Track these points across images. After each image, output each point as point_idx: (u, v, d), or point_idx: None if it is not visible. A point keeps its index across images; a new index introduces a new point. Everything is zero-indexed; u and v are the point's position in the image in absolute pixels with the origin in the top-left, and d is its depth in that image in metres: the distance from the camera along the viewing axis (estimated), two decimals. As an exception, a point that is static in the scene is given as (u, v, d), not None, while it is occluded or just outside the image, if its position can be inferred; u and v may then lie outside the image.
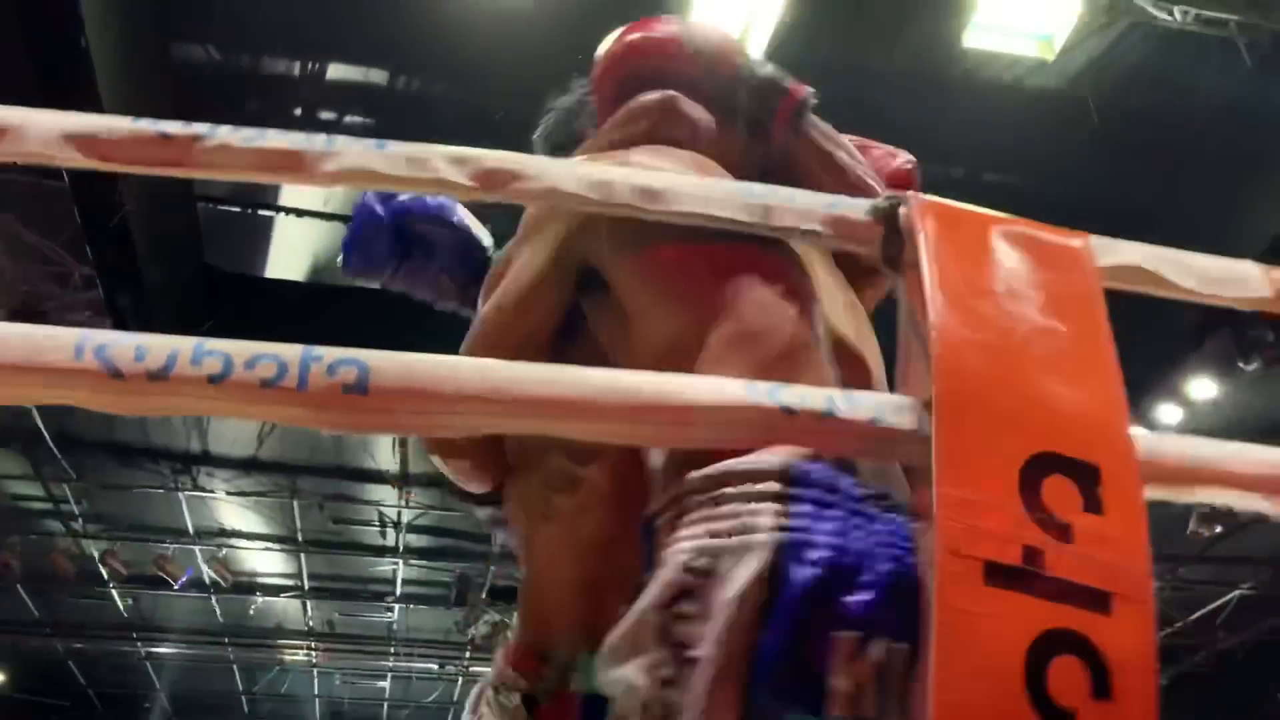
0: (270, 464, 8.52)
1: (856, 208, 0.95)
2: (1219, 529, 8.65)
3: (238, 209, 6.90)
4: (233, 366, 0.75)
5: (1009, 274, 0.90)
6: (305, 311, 6.66)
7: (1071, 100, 6.31)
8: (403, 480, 8.72)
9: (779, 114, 1.25)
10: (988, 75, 6.24)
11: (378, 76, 6.49)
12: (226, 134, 0.89)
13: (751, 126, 1.27)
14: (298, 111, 6.61)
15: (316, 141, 0.89)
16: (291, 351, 0.76)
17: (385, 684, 12.05)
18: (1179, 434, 0.96)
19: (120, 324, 5.96)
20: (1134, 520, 0.80)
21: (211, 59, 6.36)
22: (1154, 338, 6.20)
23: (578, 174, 0.94)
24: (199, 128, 0.90)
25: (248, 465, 8.50)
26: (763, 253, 1.06)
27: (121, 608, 10.20)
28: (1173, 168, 6.10)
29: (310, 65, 6.42)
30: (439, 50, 6.04)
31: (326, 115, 6.68)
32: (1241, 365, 6.65)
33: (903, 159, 1.26)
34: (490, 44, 5.83)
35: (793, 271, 1.09)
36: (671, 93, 1.29)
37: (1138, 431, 0.87)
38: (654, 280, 1.08)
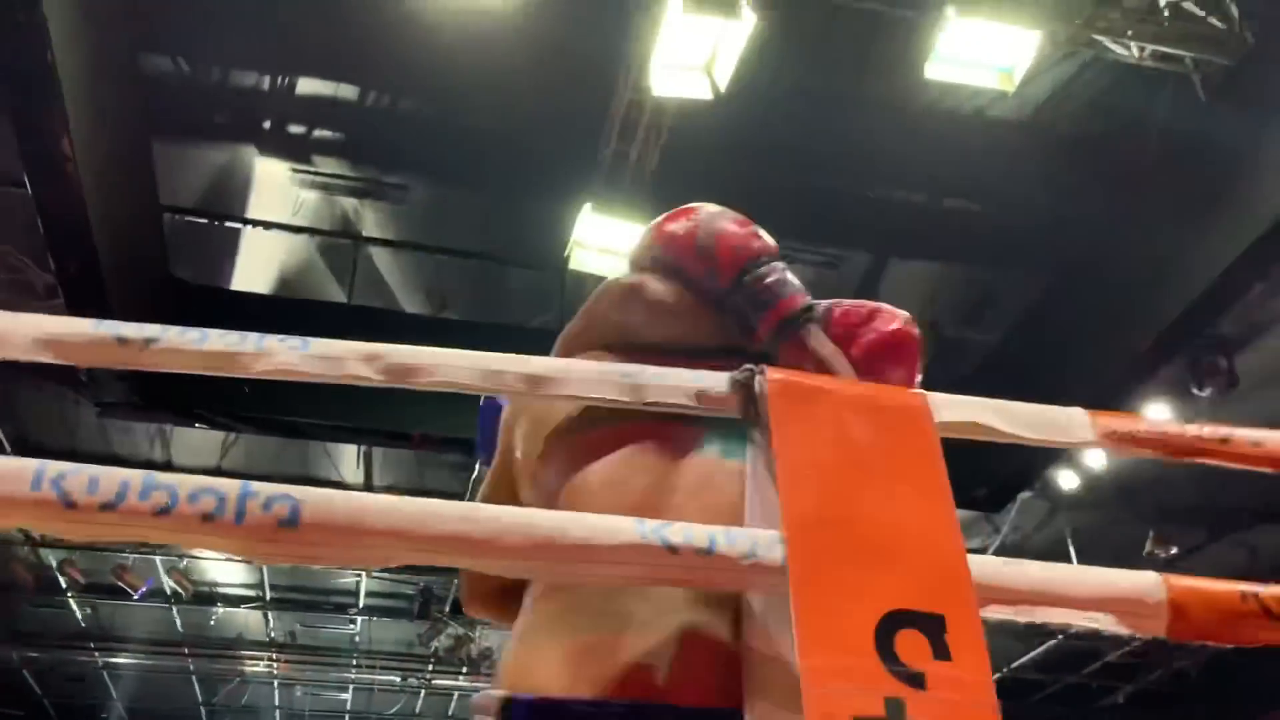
0: (233, 474, 8.42)
1: (719, 381, 1.05)
2: (1174, 550, 8.84)
3: (204, 220, 6.91)
4: (178, 500, 0.80)
5: (853, 440, 0.98)
6: (272, 324, 6.65)
7: (1031, 130, 6.44)
8: (368, 491, 8.71)
9: (763, 324, 1.38)
10: (950, 105, 6.36)
11: (348, 91, 6.51)
12: (175, 337, 1.01)
13: (741, 327, 1.40)
14: (267, 125, 6.62)
15: (249, 343, 1.00)
16: (230, 486, 0.82)
17: (347, 696, 12.03)
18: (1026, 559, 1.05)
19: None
20: (979, 661, 0.88)
21: (180, 71, 6.35)
22: (1108, 364, 6.35)
23: (468, 366, 1.03)
24: (150, 330, 1.01)
25: (211, 475, 8.47)
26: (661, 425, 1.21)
27: (80, 617, 10.12)
28: (1129, 196, 6.24)
29: (280, 79, 6.43)
30: (409, 63, 6.08)
31: (296, 129, 6.70)
32: (1195, 391, 6.81)
33: (898, 322, 1.35)
34: (459, 56, 5.88)
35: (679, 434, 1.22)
36: (638, 279, 1.50)
37: (981, 560, 0.95)
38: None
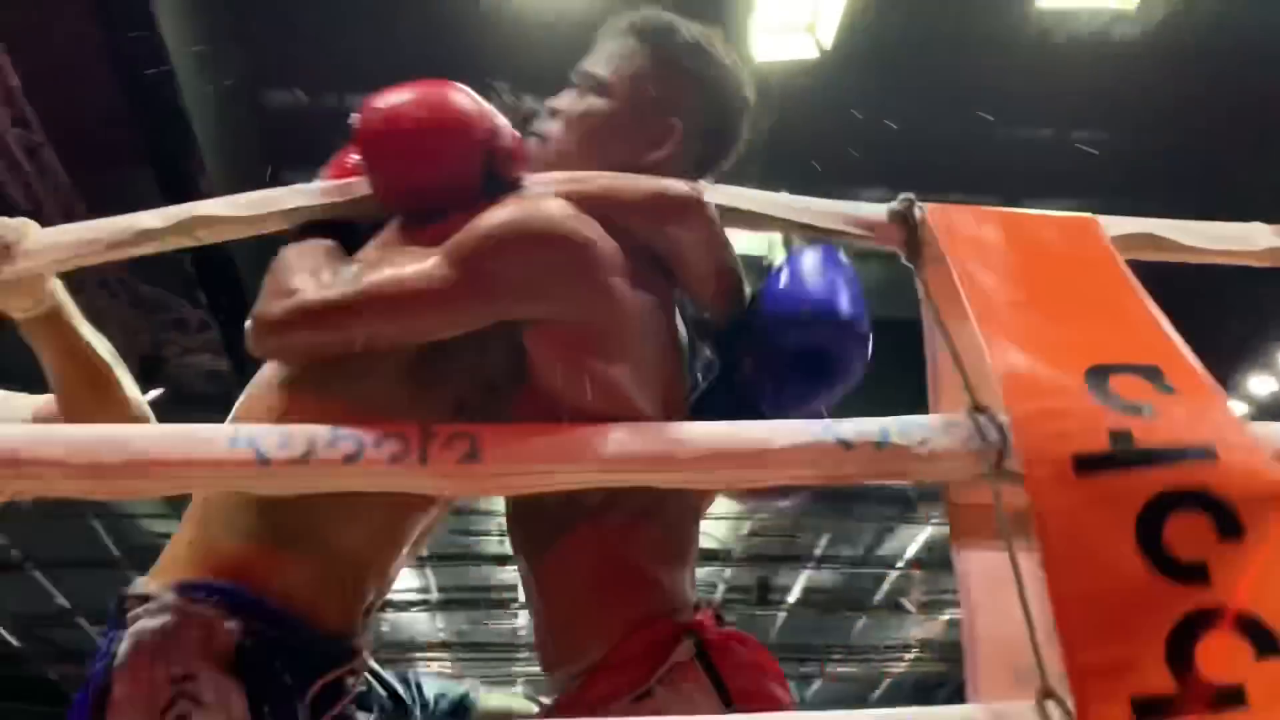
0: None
1: (878, 211, 1.02)
2: None
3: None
4: (364, 447, 0.84)
5: (1027, 259, 0.95)
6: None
7: (1157, 50, 6.13)
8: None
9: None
10: (1067, 32, 6.11)
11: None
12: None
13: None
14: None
15: None
16: (411, 429, 0.85)
17: (517, 689, 12.33)
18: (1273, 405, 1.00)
19: (239, 364, 6.25)
20: (1207, 395, 0.83)
21: (299, 101, 6.61)
22: (1246, 310, 6.00)
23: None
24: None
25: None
26: None
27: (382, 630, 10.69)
28: (1262, 115, 5.89)
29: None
30: (513, 72, 6.16)
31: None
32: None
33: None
34: (558, 58, 5.93)
35: None
36: None
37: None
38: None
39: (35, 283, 1.19)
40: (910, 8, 5.98)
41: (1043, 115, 6.66)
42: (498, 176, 1.10)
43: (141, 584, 1.07)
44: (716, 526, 9.73)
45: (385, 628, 10.92)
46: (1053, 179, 6.96)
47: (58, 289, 1.23)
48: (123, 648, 1.00)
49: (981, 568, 0.88)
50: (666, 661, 1.11)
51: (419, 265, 1.00)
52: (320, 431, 0.85)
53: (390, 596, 8.09)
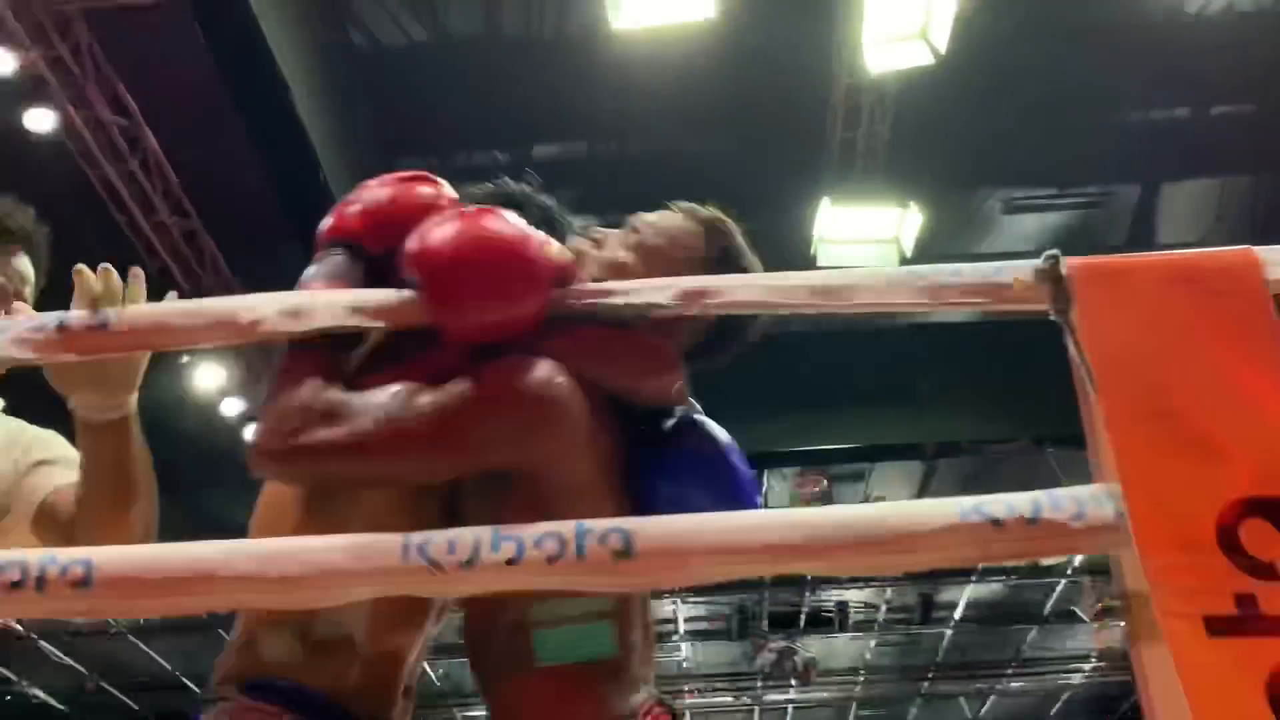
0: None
1: (1025, 270, 0.99)
2: None
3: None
4: (524, 548, 0.88)
5: (1172, 317, 0.92)
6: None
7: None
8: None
9: None
10: (1196, 5, 5.86)
11: (576, 149, 6.80)
12: None
13: None
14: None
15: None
16: (567, 528, 0.89)
17: (685, 720, 12.33)
18: None
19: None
20: None
21: (430, 165, 6.86)
22: None
23: (756, 283, 1.06)
24: None
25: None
26: None
27: (434, 678, 10.99)
28: None
29: (516, 152, 6.81)
30: (622, 107, 6.27)
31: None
32: None
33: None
34: (665, 90, 6.02)
35: None
36: None
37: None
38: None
39: (132, 373, 1.31)
40: (1024, 2, 5.84)
41: (1177, 93, 6.39)
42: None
43: (213, 685, 1.21)
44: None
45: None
46: (1191, 156, 6.65)
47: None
48: None
49: (1155, 666, 0.87)
50: None
51: (420, 415, 1.10)
52: (484, 535, 0.89)
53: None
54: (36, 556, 0.87)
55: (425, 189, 1.29)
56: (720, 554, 0.88)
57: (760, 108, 6.09)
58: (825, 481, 8.32)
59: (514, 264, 1.12)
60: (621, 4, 5.09)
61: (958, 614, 10.39)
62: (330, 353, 1.15)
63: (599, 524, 0.89)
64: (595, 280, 1.21)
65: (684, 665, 11.30)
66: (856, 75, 5.47)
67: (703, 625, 10.74)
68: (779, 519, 0.91)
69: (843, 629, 10.18)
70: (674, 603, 10.13)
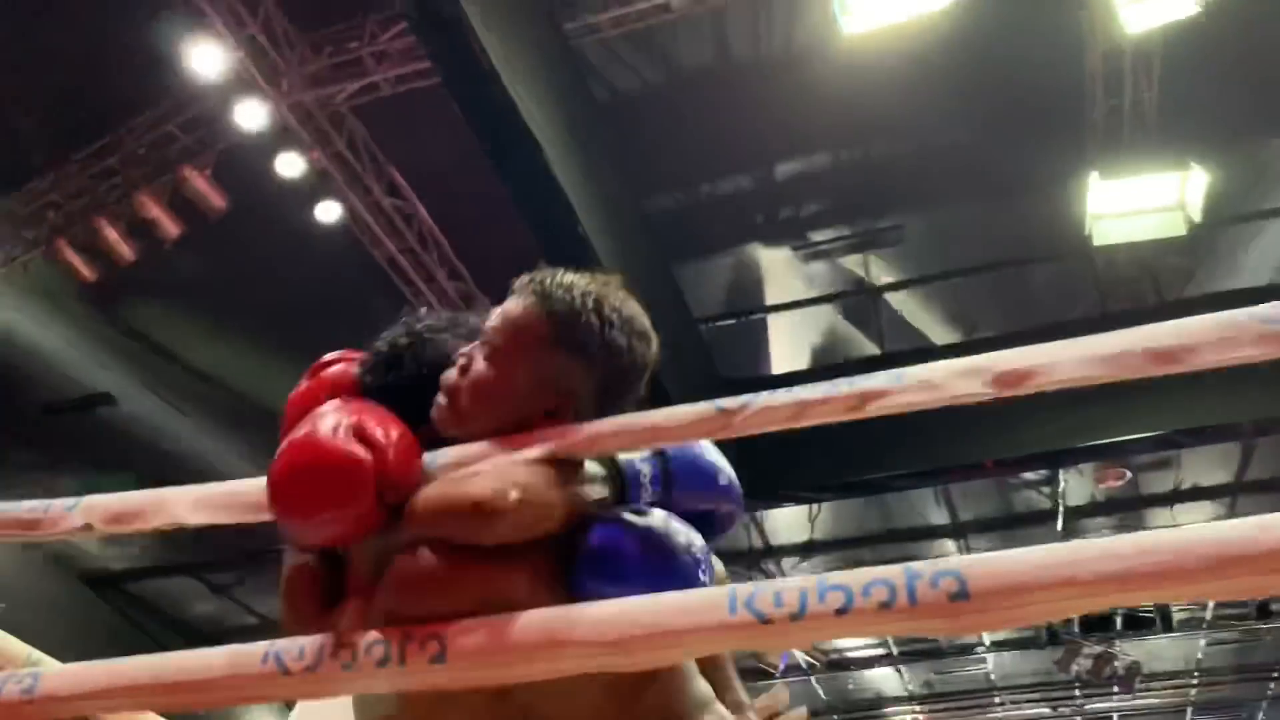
0: (827, 543, 8.87)
1: None
2: None
3: (733, 320, 7.47)
4: (853, 598, 0.86)
5: None
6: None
7: None
8: (957, 529, 8.66)
9: None
10: None
11: (821, 160, 6.73)
12: (765, 399, 1.10)
13: None
14: (759, 219, 7.05)
15: (839, 386, 1.09)
16: (895, 573, 0.87)
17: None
18: None
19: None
20: None
21: (675, 199, 7.01)
22: None
23: (1082, 356, 0.98)
24: (742, 398, 1.12)
25: (806, 549, 8.92)
26: None
27: (736, 700, 11.07)
28: None
29: (757, 173, 6.83)
30: (860, 109, 6.15)
31: (785, 212, 7.05)
32: None
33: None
34: (903, 84, 5.85)
35: None
36: None
37: None
38: None
39: None
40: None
41: None
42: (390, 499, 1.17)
43: None
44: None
45: (850, 685, 10.91)
46: None
47: None
48: None
49: None
50: None
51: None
52: (809, 585, 0.89)
53: (849, 654, 8.09)
54: (395, 635, 0.97)
55: (305, 383, 1.39)
56: (1064, 587, 0.83)
57: (1009, 89, 5.80)
58: (1128, 473, 7.74)
59: (322, 485, 1.16)
60: (851, 7, 5.01)
61: (1301, 606, 9.35)
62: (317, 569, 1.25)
63: (927, 567, 0.86)
64: (468, 405, 1.26)
65: (991, 677, 10.80)
66: (1113, 38, 5.11)
67: (1009, 634, 10.23)
68: (1126, 545, 0.84)
69: (1166, 629, 9.40)
70: (974, 612, 9.71)
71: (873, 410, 1.03)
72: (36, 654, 1.82)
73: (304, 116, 5.81)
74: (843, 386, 1.04)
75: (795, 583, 0.90)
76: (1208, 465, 8.03)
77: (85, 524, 1.23)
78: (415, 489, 1.15)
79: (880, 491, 6.98)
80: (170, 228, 6.00)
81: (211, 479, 1.69)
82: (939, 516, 8.66)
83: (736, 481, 1.36)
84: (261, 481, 1.20)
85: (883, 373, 1.06)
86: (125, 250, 6.10)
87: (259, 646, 1.00)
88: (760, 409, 1.04)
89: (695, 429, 1.09)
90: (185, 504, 1.21)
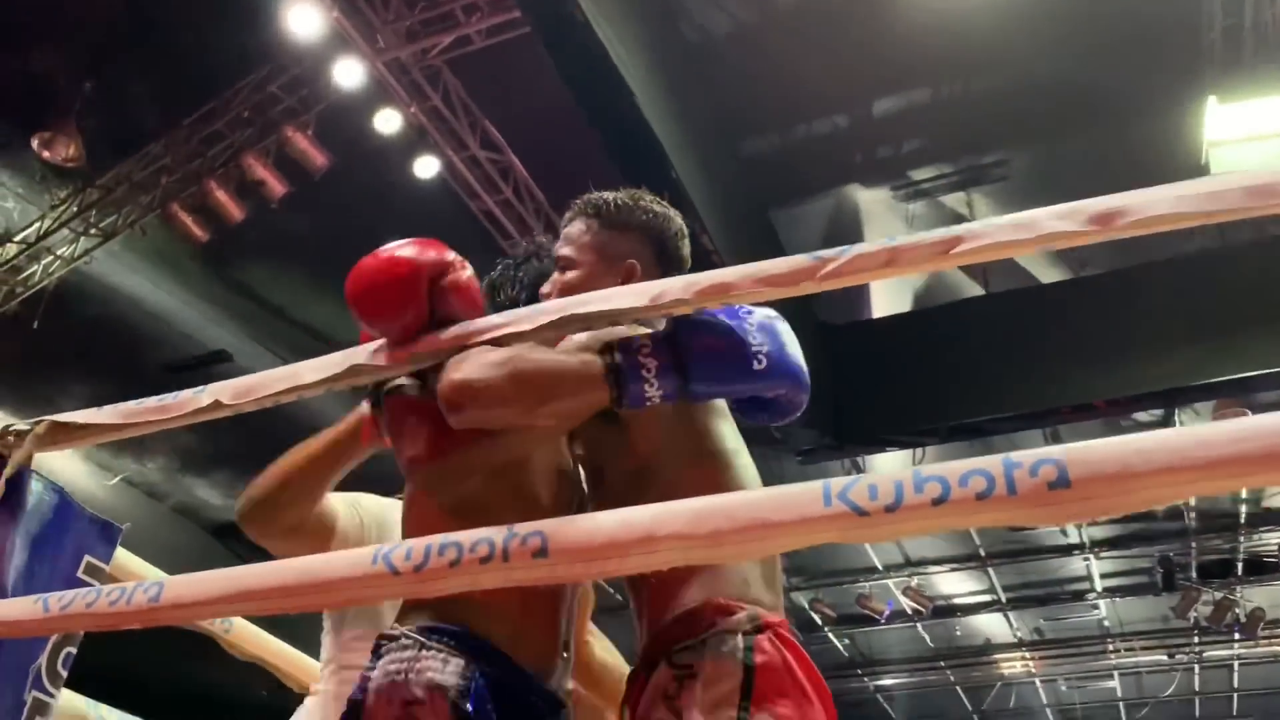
0: (932, 489, 8.73)
1: None
2: None
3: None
4: (950, 488, 0.85)
5: None
6: (922, 335, 6.87)
7: None
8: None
9: None
10: None
11: (919, 95, 6.55)
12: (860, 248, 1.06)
13: None
14: (857, 158, 6.91)
15: (935, 234, 1.03)
16: (992, 463, 0.85)
17: (1114, 683, 11.53)
18: None
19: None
20: None
21: (771, 142, 6.91)
22: None
23: (1183, 193, 0.94)
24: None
25: (912, 495, 8.80)
26: None
27: (840, 647, 11.04)
28: None
29: (853, 113, 6.68)
30: (962, 43, 5.96)
31: (884, 151, 6.89)
32: None
33: None
34: (1007, 14, 5.65)
35: None
36: None
37: None
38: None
39: None
40: None
41: None
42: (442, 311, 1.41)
43: (393, 626, 1.33)
44: None
45: (958, 631, 10.79)
46: None
47: None
48: (376, 673, 1.28)
49: None
50: (717, 626, 1.26)
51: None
52: (905, 477, 0.88)
53: (956, 600, 7.98)
54: (498, 533, 0.99)
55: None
56: (1169, 473, 0.81)
57: (1117, 11, 5.55)
58: (1248, 413, 7.44)
59: (380, 286, 1.41)
60: (948, -64, 4.84)
61: None
62: None
63: (1025, 456, 0.85)
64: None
65: (1105, 624, 10.56)
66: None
67: (1122, 580, 9.98)
68: (1231, 428, 0.81)
69: (1291, 574, 9.05)
70: (1086, 559, 9.49)
71: (964, 252, 1.00)
72: (162, 575, 1.94)
73: (399, 72, 5.90)
74: (938, 232, 1.02)
75: (891, 475, 0.89)
76: (1336, 404, 7.67)
77: (213, 402, 1.33)
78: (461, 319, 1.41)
79: (987, 435, 6.84)
80: (276, 187, 6.17)
81: (321, 429, 1.81)
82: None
83: (789, 358, 1.39)
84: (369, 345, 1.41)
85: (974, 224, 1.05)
86: (234, 211, 6.30)
87: (369, 550, 1.05)
88: (853, 257, 1.04)
89: (787, 279, 1.08)
90: (305, 371, 1.30)
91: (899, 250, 1.01)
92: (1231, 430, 0.81)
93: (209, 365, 7.98)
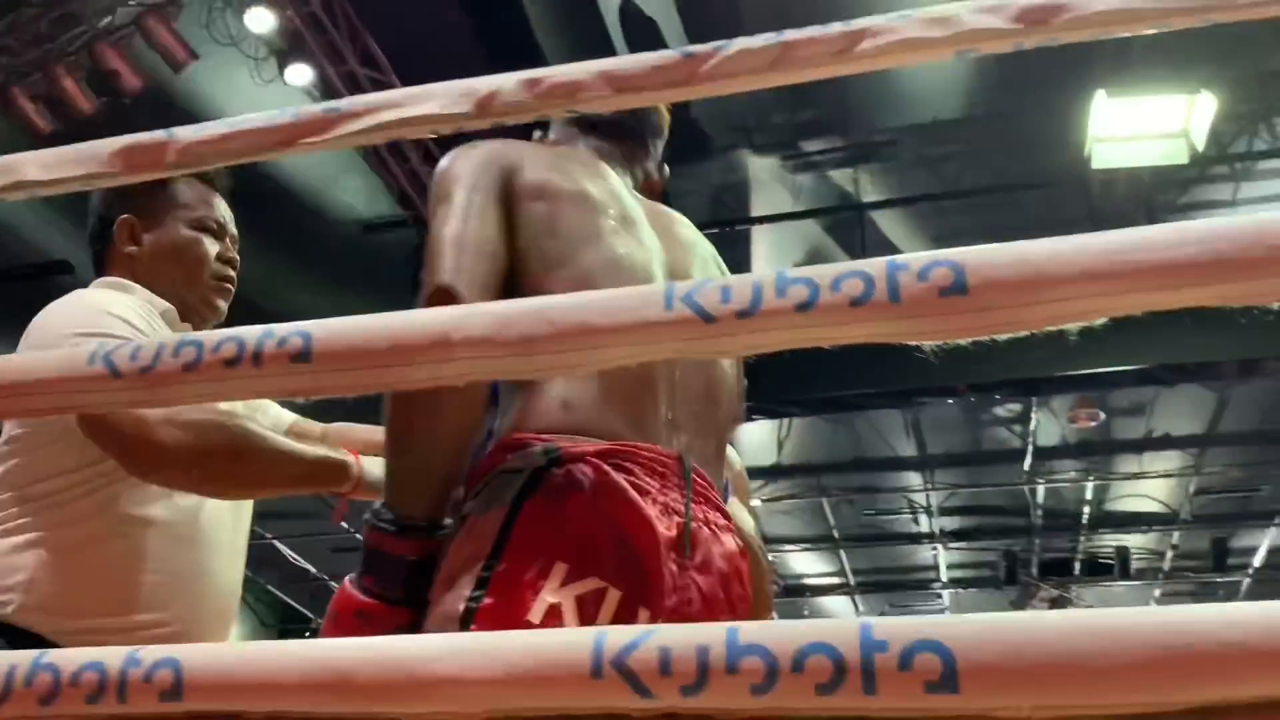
0: (794, 467, 8.77)
1: None
2: None
3: (715, 230, 7.28)
4: (819, 292, 0.68)
5: None
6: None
7: None
8: (923, 462, 8.58)
9: None
10: None
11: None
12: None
13: None
14: (752, 122, 6.80)
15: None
16: (875, 264, 0.69)
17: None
18: None
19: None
20: None
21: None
22: None
23: None
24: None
25: (773, 473, 8.82)
26: None
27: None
28: None
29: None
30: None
31: (778, 119, 6.81)
32: None
33: None
34: None
35: None
36: None
37: None
38: None
39: None
40: None
41: None
42: None
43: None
44: (1154, 486, 8.76)
45: (806, 612, 10.92)
46: None
47: None
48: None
49: None
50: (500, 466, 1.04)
51: None
52: (766, 279, 0.70)
53: (806, 580, 8.01)
54: (254, 331, 0.76)
55: None
56: (1083, 282, 0.65)
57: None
58: (1101, 414, 7.66)
59: None
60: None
61: (1257, 561, 9.38)
62: None
63: (915, 258, 0.68)
64: None
65: (947, 614, 10.84)
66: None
67: (967, 573, 10.24)
68: (1165, 232, 0.66)
69: (1124, 577, 9.41)
70: (934, 549, 9.69)
71: (869, 52, 0.83)
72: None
73: (278, -30, 5.50)
74: (835, 26, 0.84)
75: (749, 277, 0.72)
76: (1181, 414, 7.96)
77: None
78: None
79: (851, 410, 6.85)
80: (131, 80, 5.68)
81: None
82: (907, 448, 8.57)
83: None
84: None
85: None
86: (83, 103, 5.79)
87: (85, 348, 0.81)
88: (735, 53, 0.84)
89: (653, 77, 0.88)
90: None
91: (791, 46, 0.83)
92: (1171, 233, 0.66)
93: (49, 275, 7.40)
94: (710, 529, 1.09)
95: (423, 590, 1.01)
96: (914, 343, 0.67)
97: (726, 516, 1.16)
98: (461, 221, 1.12)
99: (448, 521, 1.07)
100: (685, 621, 0.90)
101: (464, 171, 1.18)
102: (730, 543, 1.12)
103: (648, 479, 1.04)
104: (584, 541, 0.99)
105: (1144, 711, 0.55)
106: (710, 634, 0.61)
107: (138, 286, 1.61)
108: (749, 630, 0.60)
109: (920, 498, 9.03)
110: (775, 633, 0.60)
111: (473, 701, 0.60)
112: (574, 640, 0.62)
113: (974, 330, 0.67)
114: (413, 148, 6.29)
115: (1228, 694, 0.54)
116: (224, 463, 1.40)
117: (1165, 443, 8.25)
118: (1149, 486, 8.71)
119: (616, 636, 0.61)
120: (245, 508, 1.64)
